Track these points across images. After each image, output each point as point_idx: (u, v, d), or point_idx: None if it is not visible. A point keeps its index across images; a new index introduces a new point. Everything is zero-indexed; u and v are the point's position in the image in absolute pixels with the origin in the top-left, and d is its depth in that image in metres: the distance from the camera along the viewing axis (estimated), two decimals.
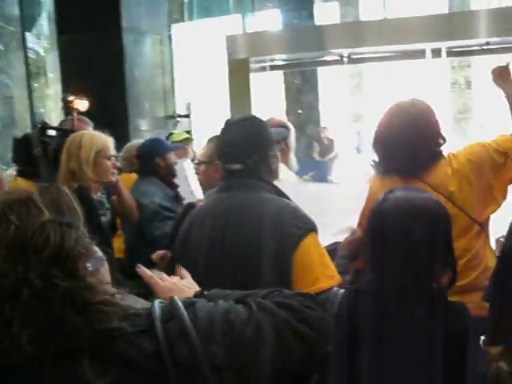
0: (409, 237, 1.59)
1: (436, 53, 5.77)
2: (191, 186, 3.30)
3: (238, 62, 6.41)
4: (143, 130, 6.60)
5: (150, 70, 6.96)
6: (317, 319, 1.17)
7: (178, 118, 6.18)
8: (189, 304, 1.12)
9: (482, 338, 2.02)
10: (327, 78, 12.70)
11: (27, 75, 7.38)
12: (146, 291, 1.50)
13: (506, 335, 1.92)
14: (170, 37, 7.39)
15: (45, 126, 3.44)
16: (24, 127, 6.88)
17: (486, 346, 1.98)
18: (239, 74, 6.38)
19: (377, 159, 2.36)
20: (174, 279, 1.54)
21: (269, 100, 6.73)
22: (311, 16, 10.55)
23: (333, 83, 13.64)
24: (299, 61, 6.83)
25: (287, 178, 2.60)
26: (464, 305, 1.78)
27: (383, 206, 1.67)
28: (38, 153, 3.25)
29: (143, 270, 1.51)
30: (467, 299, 1.87)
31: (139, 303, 1.26)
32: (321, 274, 1.93)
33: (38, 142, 3.28)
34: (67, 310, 1.00)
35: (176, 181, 3.58)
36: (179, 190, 3.57)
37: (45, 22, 8.28)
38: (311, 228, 1.99)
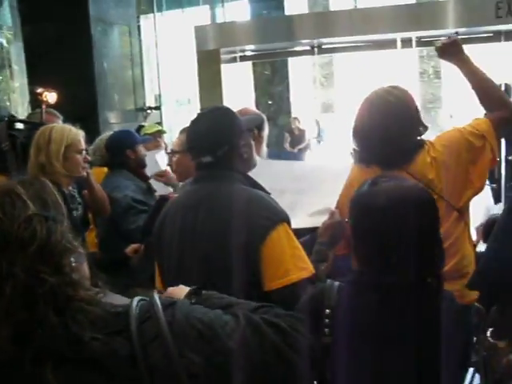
0: (403, 227, 1.56)
1: (406, 43, 5.82)
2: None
3: (207, 52, 6.38)
4: (113, 123, 6.52)
5: (118, 61, 6.86)
6: (303, 344, 1.15)
7: (148, 110, 6.10)
8: (168, 304, 1.08)
9: (489, 331, 2.04)
10: (298, 68, 12.71)
11: None
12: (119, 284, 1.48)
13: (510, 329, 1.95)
14: (138, 28, 7.28)
15: (12, 120, 3.36)
16: None
17: (494, 339, 2.00)
18: (209, 65, 6.35)
19: (356, 148, 2.32)
20: None
21: (238, 91, 6.70)
22: (281, 6, 10.55)
23: (303, 73, 13.65)
24: (270, 51, 6.84)
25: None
26: (452, 293, 1.78)
27: (374, 199, 1.63)
28: (5, 147, 3.18)
29: None
30: (446, 287, 1.88)
31: (116, 299, 1.23)
32: (292, 266, 1.89)
33: (6, 136, 3.20)
34: (49, 307, 0.96)
35: (148, 173, 3.54)
36: (151, 181, 3.54)
37: (7, 12, 8.11)
38: (282, 219, 1.95)
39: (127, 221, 3.26)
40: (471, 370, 3.06)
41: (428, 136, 2.36)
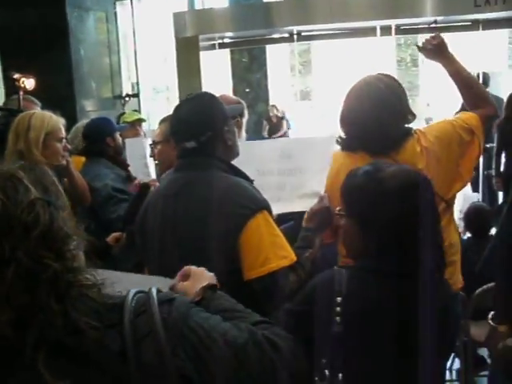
0: (410, 211, 1.56)
1: (385, 30, 5.83)
2: (148, 165, 3.23)
3: (185, 39, 6.32)
4: (90, 111, 6.43)
5: (96, 48, 6.76)
6: (299, 370, 1.15)
7: (126, 98, 6.02)
8: (166, 300, 1.06)
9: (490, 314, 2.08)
10: (275, 55, 12.68)
11: None
12: None
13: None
14: (115, 14, 7.17)
15: None
16: None
17: (495, 323, 2.02)
18: (187, 52, 6.29)
19: (343, 135, 2.30)
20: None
21: (215, 79, 6.67)
22: None
23: (281, 61, 13.63)
24: (249, 38, 6.80)
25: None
26: (447, 280, 1.80)
27: (387, 184, 1.62)
28: None
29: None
30: None
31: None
32: (272, 255, 1.88)
33: None
34: (51, 293, 0.95)
35: (128, 160, 3.49)
36: (130, 169, 3.49)
37: None
38: (261, 207, 1.93)
39: (108, 210, 3.23)
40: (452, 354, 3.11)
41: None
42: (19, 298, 0.93)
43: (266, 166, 2.40)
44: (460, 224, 3.55)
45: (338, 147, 2.31)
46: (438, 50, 2.42)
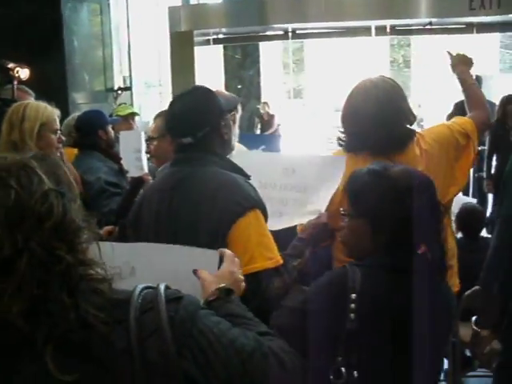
0: (420, 209, 1.59)
1: (380, 30, 5.84)
2: (142, 159, 3.20)
3: (180, 34, 6.30)
4: (82, 103, 6.38)
5: (89, 40, 6.72)
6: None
7: (119, 91, 5.99)
8: (174, 298, 1.04)
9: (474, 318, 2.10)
10: (269, 53, 12.67)
11: None
12: None
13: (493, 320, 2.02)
14: (109, 6, 7.13)
15: None
16: None
17: (479, 328, 2.06)
18: (181, 47, 6.28)
19: (344, 135, 2.30)
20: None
21: (207, 74, 6.65)
22: None
23: (274, 59, 13.62)
24: (244, 34, 6.79)
25: (239, 151, 2.52)
26: (447, 282, 1.82)
27: (400, 182, 1.65)
28: None
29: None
30: None
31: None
32: (257, 254, 1.86)
33: None
34: (63, 287, 0.94)
35: (121, 153, 3.47)
36: (122, 162, 3.47)
37: None
38: (253, 205, 1.91)
39: (100, 204, 3.20)
40: None
41: None
42: (31, 289, 0.92)
43: (269, 179, 2.37)
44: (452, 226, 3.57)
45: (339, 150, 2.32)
46: (466, 64, 2.58)
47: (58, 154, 2.91)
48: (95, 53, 6.89)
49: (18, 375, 0.94)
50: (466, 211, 3.78)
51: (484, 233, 4.01)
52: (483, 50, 11.91)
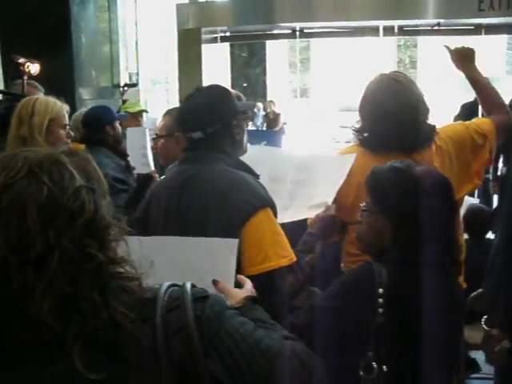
0: (441, 209, 1.65)
1: (388, 31, 5.83)
2: (148, 156, 3.19)
3: (187, 31, 6.30)
4: (88, 99, 6.39)
5: (96, 36, 6.73)
6: None
7: (125, 88, 6.00)
8: (200, 297, 1.03)
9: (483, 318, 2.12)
10: (275, 52, 12.67)
11: None
12: None
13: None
14: (116, 3, 7.15)
15: None
16: None
17: (488, 326, 2.07)
18: (189, 44, 6.28)
19: (362, 133, 2.27)
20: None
21: (214, 72, 6.65)
22: None
23: (280, 57, 13.61)
24: (251, 33, 6.79)
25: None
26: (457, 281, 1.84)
27: (414, 181, 1.69)
28: None
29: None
30: None
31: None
32: (272, 253, 1.86)
33: None
34: (94, 285, 0.93)
35: (128, 149, 3.47)
36: (129, 159, 3.47)
37: None
38: (264, 204, 1.90)
39: None
40: None
41: None
42: (62, 286, 0.91)
43: (280, 174, 2.37)
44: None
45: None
46: (467, 58, 2.48)
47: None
48: (102, 49, 6.90)
49: (47, 373, 0.93)
50: (472, 212, 3.76)
51: (490, 234, 4.00)
52: (490, 51, 11.89)
